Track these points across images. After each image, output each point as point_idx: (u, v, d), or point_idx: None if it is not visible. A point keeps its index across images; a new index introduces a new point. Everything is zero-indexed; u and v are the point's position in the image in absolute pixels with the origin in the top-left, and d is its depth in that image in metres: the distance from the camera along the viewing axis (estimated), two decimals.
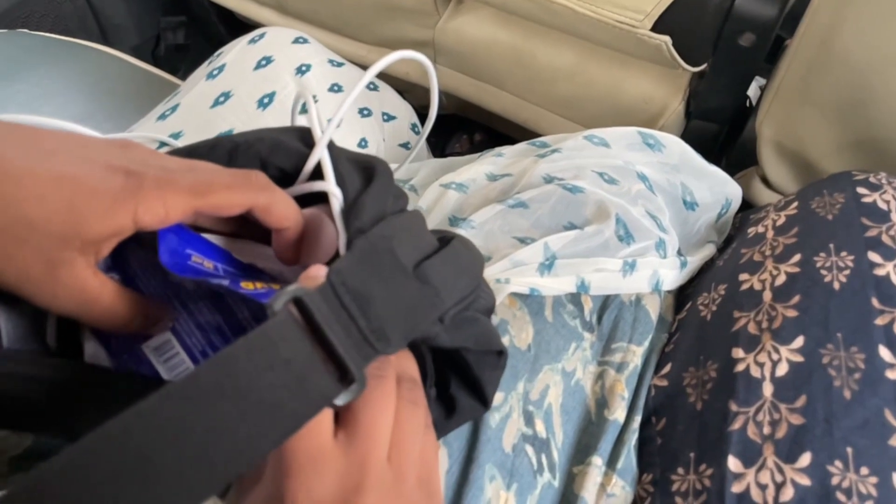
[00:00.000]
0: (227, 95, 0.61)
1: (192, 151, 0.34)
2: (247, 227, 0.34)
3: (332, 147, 0.35)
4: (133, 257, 0.31)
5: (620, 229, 0.51)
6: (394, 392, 0.29)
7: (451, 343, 0.31)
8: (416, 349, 0.33)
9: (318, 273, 0.29)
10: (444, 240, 0.33)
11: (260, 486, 0.27)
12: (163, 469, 0.21)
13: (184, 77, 0.74)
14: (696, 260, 0.56)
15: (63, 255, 0.26)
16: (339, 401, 0.26)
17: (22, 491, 0.19)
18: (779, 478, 0.39)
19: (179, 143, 0.58)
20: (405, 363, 0.32)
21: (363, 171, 0.35)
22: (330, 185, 0.33)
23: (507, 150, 0.61)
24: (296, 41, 0.64)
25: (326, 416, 0.27)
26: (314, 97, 0.62)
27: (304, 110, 0.62)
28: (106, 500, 0.20)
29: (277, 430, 0.24)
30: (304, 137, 0.35)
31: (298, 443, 0.26)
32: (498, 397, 0.44)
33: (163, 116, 0.61)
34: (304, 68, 0.63)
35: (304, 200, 0.35)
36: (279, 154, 0.34)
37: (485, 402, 0.37)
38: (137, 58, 0.88)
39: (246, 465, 0.23)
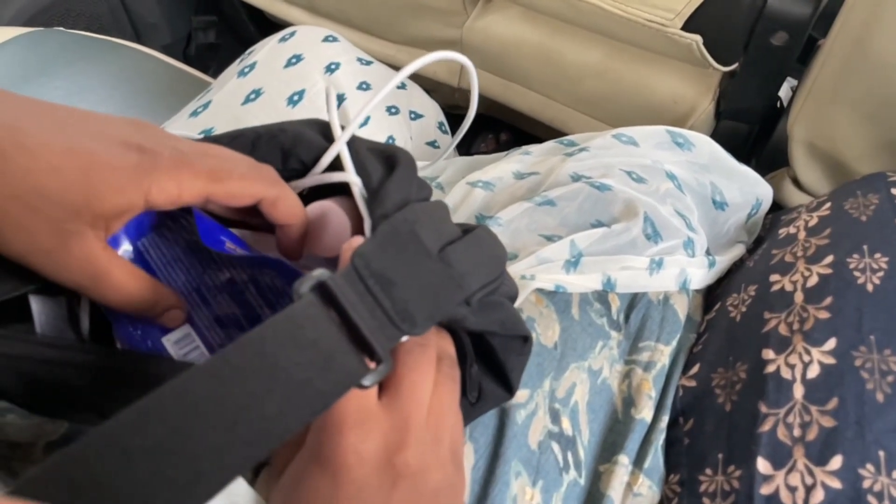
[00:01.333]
0: (257, 93, 0.62)
1: (214, 141, 0.34)
2: (247, 219, 0.35)
3: (352, 139, 0.35)
4: (155, 252, 0.32)
5: (648, 228, 0.51)
6: (434, 360, 0.30)
7: (478, 326, 0.32)
8: (453, 332, 0.33)
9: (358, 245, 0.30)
10: (468, 230, 0.33)
11: (301, 453, 0.29)
12: (196, 445, 0.21)
13: (214, 76, 0.75)
14: (724, 260, 0.55)
15: (74, 226, 0.26)
16: (367, 381, 0.26)
17: (60, 462, 0.20)
18: (809, 480, 0.38)
19: None
20: (444, 342, 0.33)
21: (385, 161, 0.35)
22: (350, 174, 0.34)
23: (534, 148, 0.60)
24: (325, 40, 0.65)
25: None
26: (342, 94, 0.63)
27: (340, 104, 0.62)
28: (140, 474, 0.20)
29: (305, 408, 0.24)
30: (326, 131, 0.36)
31: (347, 404, 0.27)
32: (524, 394, 0.44)
33: (195, 113, 0.62)
34: (333, 66, 0.63)
35: (313, 196, 0.36)
36: (301, 146, 0.35)
37: (510, 388, 0.37)
38: (169, 56, 0.89)
39: (275, 442, 0.23)
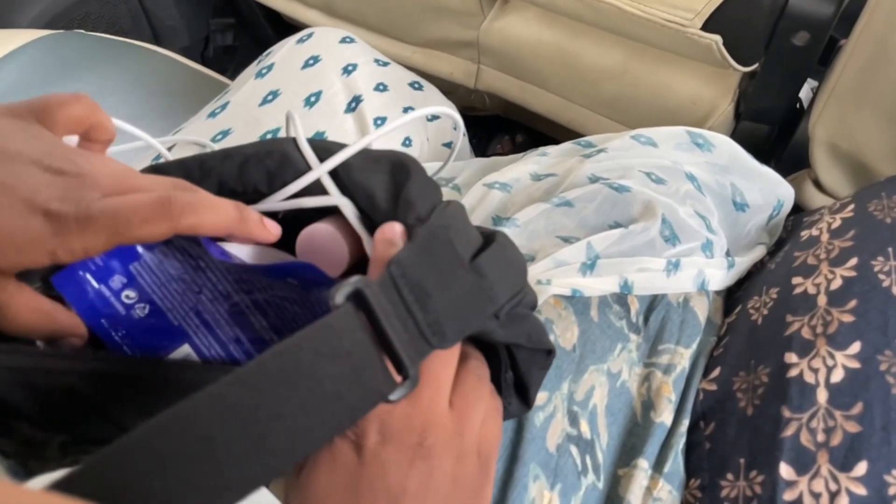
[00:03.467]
0: (275, 94, 0.62)
1: (203, 162, 0.34)
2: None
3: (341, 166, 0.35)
4: (148, 275, 0.32)
5: (666, 230, 0.50)
6: (457, 352, 0.31)
7: (505, 338, 0.31)
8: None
9: (393, 234, 0.30)
10: (487, 235, 0.33)
11: None
12: (226, 454, 0.21)
13: (232, 77, 0.75)
14: (744, 261, 0.54)
15: None
16: (394, 396, 0.26)
17: (93, 466, 0.20)
18: (833, 486, 0.38)
19: (223, 144, 0.59)
20: (469, 345, 0.33)
21: (393, 168, 0.34)
22: (336, 198, 0.33)
23: (551, 149, 0.60)
24: (343, 41, 0.65)
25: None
26: (360, 96, 0.62)
27: (352, 109, 0.62)
28: (169, 481, 0.20)
29: (334, 422, 0.24)
30: (319, 152, 0.35)
31: None
32: (542, 397, 0.44)
33: (213, 114, 0.62)
34: (350, 68, 0.63)
35: (313, 218, 0.35)
36: (287, 170, 0.34)
37: (528, 401, 0.37)
38: (188, 58, 0.90)
39: (300, 455, 0.23)
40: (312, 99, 0.62)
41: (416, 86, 0.69)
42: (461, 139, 0.45)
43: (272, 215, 0.34)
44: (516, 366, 0.34)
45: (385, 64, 0.67)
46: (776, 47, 0.68)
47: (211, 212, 0.30)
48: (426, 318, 0.27)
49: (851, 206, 0.51)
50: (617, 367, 0.48)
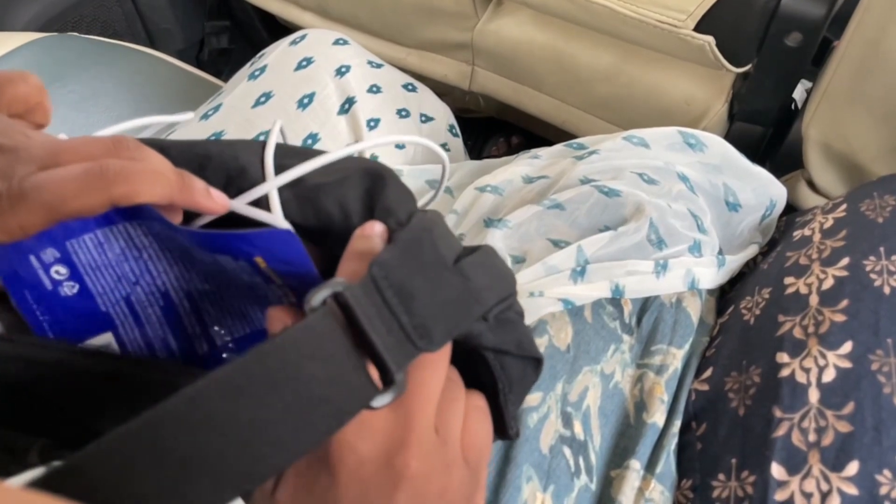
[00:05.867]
0: (267, 96, 0.62)
1: (166, 150, 0.32)
2: None
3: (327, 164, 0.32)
4: (85, 255, 0.30)
5: (653, 234, 0.50)
6: (447, 357, 0.29)
7: (494, 343, 0.30)
8: (472, 352, 0.32)
9: (372, 231, 0.28)
10: (472, 249, 0.31)
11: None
12: (206, 460, 0.21)
13: (227, 80, 0.75)
14: (735, 259, 0.54)
15: None
16: (378, 403, 0.25)
17: (63, 472, 0.20)
18: (825, 486, 0.38)
19: None
20: None
21: (366, 179, 0.33)
22: (276, 218, 0.30)
23: (543, 151, 0.60)
24: (336, 43, 0.65)
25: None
26: (353, 98, 0.63)
27: (345, 111, 0.62)
28: (144, 487, 0.20)
29: (318, 427, 0.23)
30: (283, 160, 0.33)
31: None
32: (536, 397, 0.44)
33: (205, 116, 0.62)
34: (343, 69, 0.63)
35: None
36: (245, 179, 0.32)
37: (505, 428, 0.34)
38: (183, 61, 0.90)
39: (286, 461, 0.23)
40: (305, 101, 0.62)
41: (410, 87, 0.70)
42: (447, 174, 0.43)
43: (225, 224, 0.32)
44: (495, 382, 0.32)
45: (378, 66, 0.67)
46: (769, 48, 0.68)
47: (148, 179, 0.27)
48: (412, 321, 0.26)
49: (843, 206, 0.51)
50: (610, 368, 0.48)
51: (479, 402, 0.31)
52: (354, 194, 0.31)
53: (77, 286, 0.30)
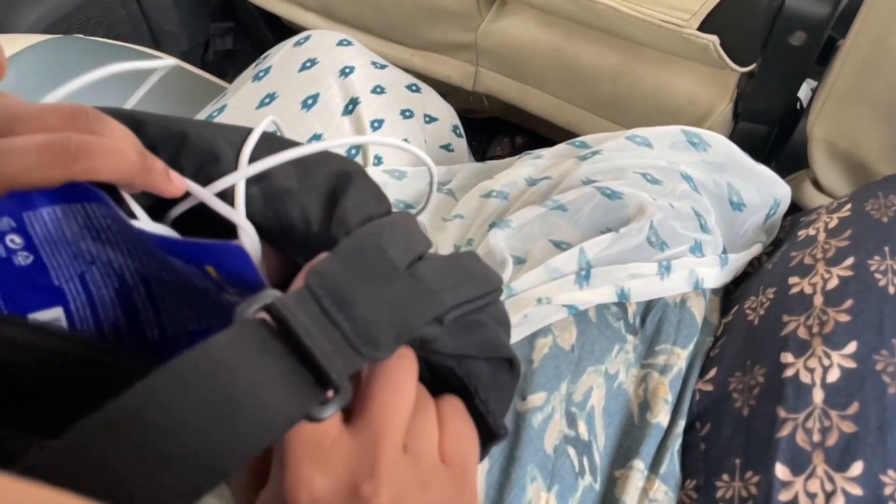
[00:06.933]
0: (272, 97, 0.62)
1: (143, 124, 0.31)
2: None
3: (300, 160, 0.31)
4: (41, 227, 0.29)
5: (653, 236, 0.50)
6: (414, 374, 0.28)
7: (453, 349, 0.29)
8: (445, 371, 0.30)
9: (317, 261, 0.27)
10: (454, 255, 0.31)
11: (266, 487, 0.26)
12: (129, 472, 0.20)
13: (231, 81, 0.75)
14: (739, 257, 0.54)
15: None
16: (321, 413, 0.24)
17: (39, 464, 0.20)
18: (829, 487, 0.38)
19: None
20: None
21: (331, 182, 0.32)
22: (237, 216, 0.30)
23: (545, 152, 0.60)
24: (340, 44, 0.65)
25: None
26: (357, 98, 0.63)
27: (349, 111, 0.62)
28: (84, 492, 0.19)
29: (249, 438, 0.22)
30: (261, 154, 0.32)
31: (297, 432, 0.25)
32: (541, 397, 0.44)
33: (210, 117, 0.63)
34: (347, 70, 0.63)
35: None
36: (216, 168, 0.31)
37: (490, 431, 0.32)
38: (187, 63, 0.90)
39: (219, 472, 0.21)
40: (309, 101, 0.62)
41: (414, 88, 0.70)
42: (434, 190, 0.42)
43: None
44: (472, 392, 0.31)
45: (382, 66, 0.67)
46: (773, 48, 0.68)
47: (109, 156, 0.26)
48: (354, 329, 0.25)
49: (848, 206, 0.51)
50: (614, 368, 0.48)
51: (453, 403, 0.30)
52: (318, 200, 0.31)
53: (32, 257, 0.30)
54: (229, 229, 0.31)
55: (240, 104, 0.62)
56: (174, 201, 0.30)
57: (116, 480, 0.20)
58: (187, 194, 0.30)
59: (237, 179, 0.30)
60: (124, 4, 1.11)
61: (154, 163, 0.29)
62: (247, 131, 0.33)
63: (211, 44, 1.27)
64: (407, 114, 0.67)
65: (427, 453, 0.27)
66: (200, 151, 0.31)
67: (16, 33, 0.94)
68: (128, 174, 0.27)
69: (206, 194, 0.30)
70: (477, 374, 0.30)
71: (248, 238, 0.30)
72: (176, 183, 0.29)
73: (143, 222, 0.29)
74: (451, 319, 0.28)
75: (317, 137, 0.61)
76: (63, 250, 0.30)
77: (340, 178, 0.32)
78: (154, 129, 0.31)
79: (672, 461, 0.45)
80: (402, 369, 0.27)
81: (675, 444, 0.45)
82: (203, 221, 0.31)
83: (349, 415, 0.27)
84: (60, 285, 0.30)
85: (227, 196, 0.30)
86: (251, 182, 0.31)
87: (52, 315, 0.30)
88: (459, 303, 0.28)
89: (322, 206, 0.31)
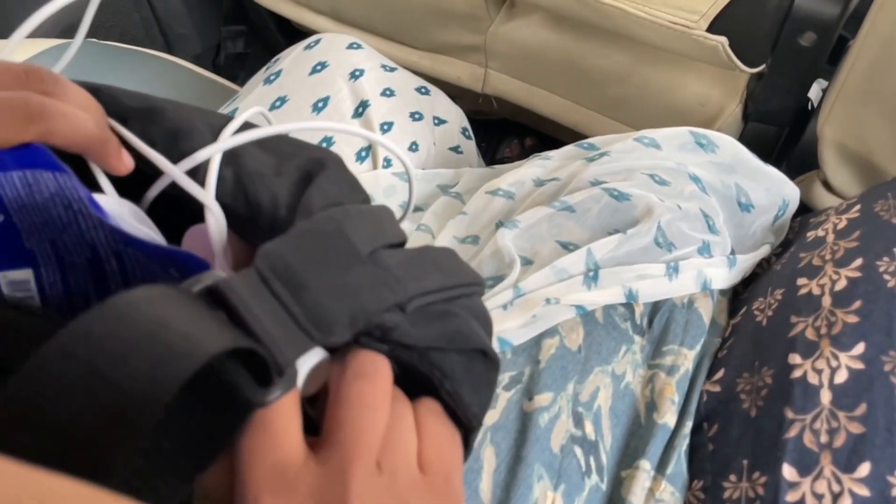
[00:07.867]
0: (282, 100, 0.62)
1: (116, 99, 0.31)
2: None
3: (277, 144, 0.31)
4: (11, 190, 0.29)
5: (660, 237, 0.50)
6: (388, 391, 0.26)
7: (417, 340, 0.27)
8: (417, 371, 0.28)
9: None
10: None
11: None
12: (62, 408, 0.19)
13: (243, 84, 0.76)
14: (747, 258, 0.54)
15: None
16: (265, 396, 0.23)
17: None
18: (836, 488, 0.38)
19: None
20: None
21: (304, 168, 0.31)
22: (205, 195, 0.29)
23: (554, 153, 0.60)
24: (350, 47, 0.66)
25: (289, 427, 0.24)
26: (367, 101, 0.63)
27: (359, 114, 0.63)
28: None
29: (182, 360, 0.20)
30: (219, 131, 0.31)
31: (256, 464, 0.23)
32: (548, 397, 0.44)
33: None
34: (357, 73, 0.64)
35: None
36: (186, 141, 0.30)
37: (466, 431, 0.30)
38: (199, 66, 0.91)
39: (153, 401, 0.20)
40: (320, 104, 0.62)
41: (423, 91, 0.70)
42: (413, 184, 0.42)
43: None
44: (441, 386, 0.29)
45: (392, 69, 0.67)
46: (783, 48, 0.68)
47: (65, 121, 0.25)
48: (306, 313, 0.24)
49: (857, 207, 0.51)
50: (621, 368, 0.48)
51: (429, 406, 0.28)
52: (289, 186, 0.30)
53: (3, 217, 0.29)
54: (200, 208, 0.30)
55: (250, 107, 0.63)
56: (149, 179, 0.30)
57: (54, 419, 0.19)
58: (160, 172, 0.30)
59: (212, 153, 0.30)
60: (137, 9, 1.13)
61: (110, 136, 0.28)
62: (230, 118, 0.32)
63: (222, 47, 1.28)
64: (416, 116, 0.67)
65: (404, 468, 0.25)
66: (174, 127, 0.30)
67: (29, 38, 0.96)
68: (84, 142, 0.27)
69: (177, 172, 0.29)
70: (446, 367, 0.28)
71: (215, 219, 0.29)
72: (125, 161, 0.29)
73: (107, 199, 0.29)
74: (416, 308, 0.27)
75: (327, 140, 0.62)
76: (34, 215, 0.29)
77: (314, 164, 0.31)
78: (129, 100, 0.31)
79: (679, 461, 0.45)
80: (375, 388, 0.26)
81: (682, 444, 0.45)
82: (174, 199, 0.31)
83: (317, 444, 0.25)
84: (31, 248, 0.30)
85: (199, 175, 0.30)
86: (224, 164, 0.30)
87: (22, 276, 0.30)
88: (425, 292, 0.27)
89: (291, 192, 0.30)
